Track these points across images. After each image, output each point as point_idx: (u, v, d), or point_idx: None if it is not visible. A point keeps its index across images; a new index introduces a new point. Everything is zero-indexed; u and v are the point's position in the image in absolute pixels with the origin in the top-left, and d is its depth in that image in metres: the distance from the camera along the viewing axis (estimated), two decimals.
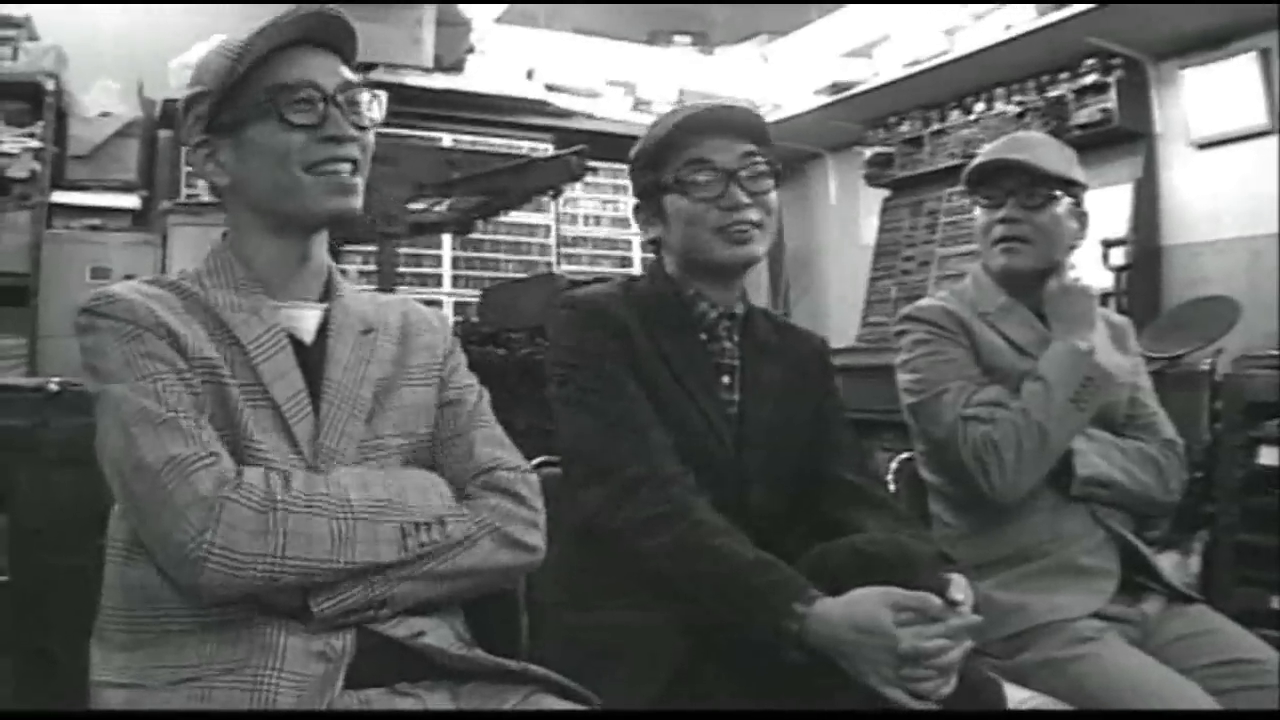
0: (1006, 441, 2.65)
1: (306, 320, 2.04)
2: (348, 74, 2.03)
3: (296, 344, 1.99)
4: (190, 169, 1.76)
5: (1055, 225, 2.85)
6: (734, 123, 2.41)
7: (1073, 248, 2.93)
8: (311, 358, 1.99)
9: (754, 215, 2.36)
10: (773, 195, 2.40)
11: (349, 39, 2.05)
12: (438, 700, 1.88)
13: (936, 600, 1.89)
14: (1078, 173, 2.92)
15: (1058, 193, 2.85)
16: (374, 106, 2.06)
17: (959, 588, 2.01)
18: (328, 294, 2.10)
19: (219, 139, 1.98)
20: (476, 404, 2.20)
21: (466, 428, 2.13)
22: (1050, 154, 2.88)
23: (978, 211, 2.97)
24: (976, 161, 2.93)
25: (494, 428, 2.19)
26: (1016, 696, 2.27)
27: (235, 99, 1.95)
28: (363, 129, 2.02)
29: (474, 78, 7.59)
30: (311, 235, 2.06)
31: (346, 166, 1.99)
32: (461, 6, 7.31)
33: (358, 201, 2.03)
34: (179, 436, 1.75)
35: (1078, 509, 2.75)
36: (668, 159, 2.41)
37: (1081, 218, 2.94)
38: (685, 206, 2.39)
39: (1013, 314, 2.90)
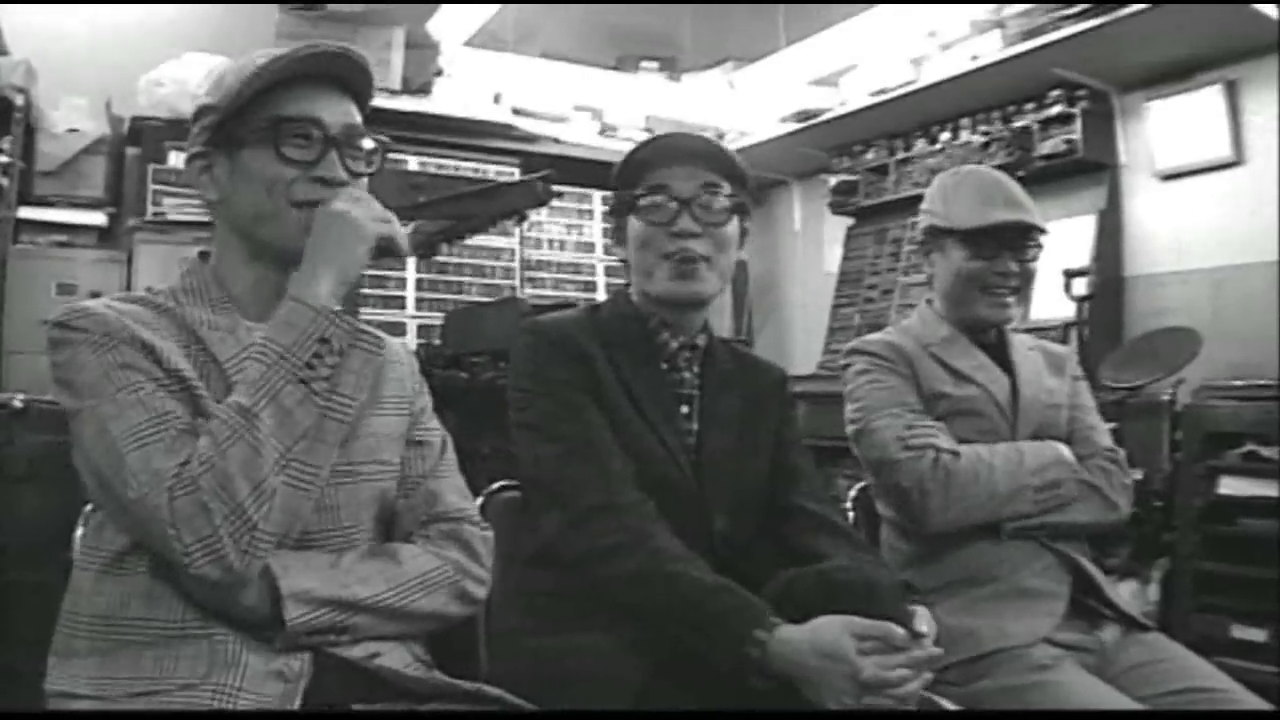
0: (958, 476, 2.70)
1: None
2: (356, 117, 2.05)
3: None
4: (182, 180, 1.76)
5: (1033, 274, 2.94)
6: (703, 153, 2.42)
7: None
8: None
9: (701, 247, 2.36)
10: (728, 230, 2.41)
11: (365, 81, 2.07)
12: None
13: (900, 630, 1.89)
14: None
15: (1042, 243, 2.93)
16: (375, 158, 2.09)
17: (923, 619, 2.02)
18: None
19: (217, 154, 1.99)
20: (443, 451, 2.22)
21: (432, 473, 2.16)
22: (1033, 206, 2.93)
23: (957, 256, 2.93)
24: (987, 222, 2.87)
25: (458, 478, 2.23)
26: None
27: (239, 120, 1.96)
28: (357, 175, 2.04)
29: (441, 101, 7.59)
30: (287, 266, 2.02)
31: None
32: (430, 29, 7.30)
33: None
34: (162, 450, 1.73)
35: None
36: (636, 181, 2.44)
37: None
38: (640, 229, 2.41)
39: (955, 344, 2.95)
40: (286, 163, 1.95)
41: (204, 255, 2.09)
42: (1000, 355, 2.98)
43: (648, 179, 2.42)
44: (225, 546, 1.68)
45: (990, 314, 2.91)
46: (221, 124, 1.97)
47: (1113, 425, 3.03)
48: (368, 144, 2.06)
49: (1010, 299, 2.90)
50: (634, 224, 2.43)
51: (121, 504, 1.76)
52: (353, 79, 2.05)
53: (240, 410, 1.74)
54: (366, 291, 7.02)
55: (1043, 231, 2.92)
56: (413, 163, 7.49)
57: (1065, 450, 2.82)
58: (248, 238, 2.01)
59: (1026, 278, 2.91)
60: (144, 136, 6.70)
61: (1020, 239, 2.89)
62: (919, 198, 3.10)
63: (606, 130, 8.43)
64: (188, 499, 1.68)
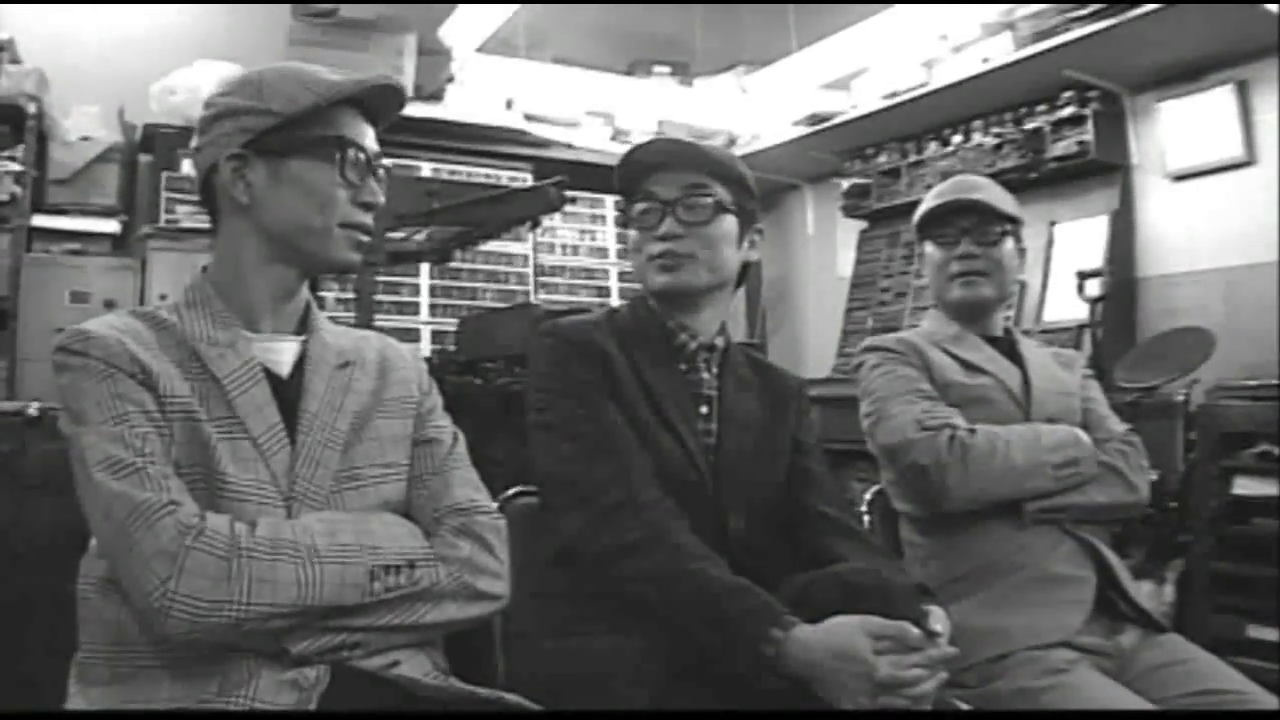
0: (975, 451, 2.74)
1: (283, 354, 2.06)
2: (377, 146, 2.12)
3: (273, 378, 2.00)
4: (199, 173, 1.77)
5: (1008, 259, 3.03)
6: (685, 156, 2.47)
7: (1016, 280, 3.13)
8: (288, 391, 2.00)
9: (683, 247, 2.42)
10: (714, 228, 2.45)
11: (394, 115, 2.18)
12: None
13: (915, 630, 1.90)
14: (1019, 211, 3.09)
15: (1008, 229, 3.03)
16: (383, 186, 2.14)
17: (938, 619, 2.03)
18: (304, 327, 2.12)
19: (255, 158, 2.00)
20: (453, 445, 2.21)
21: (443, 467, 2.15)
22: (998, 194, 3.06)
23: (929, 249, 3.11)
24: (933, 204, 3.09)
25: (470, 470, 2.21)
26: None
27: (295, 130, 1.99)
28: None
29: (454, 107, 7.60)
30: (312, 273, 2.12)
31: (363, 233, 2.07)
32: (442, 35, 7.31)
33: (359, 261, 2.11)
34: (144, 484, 1.75)
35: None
36: (633, 191, 2.51)
37: (1022, 253, 3.12)
38: (634, 237, 2.50)
39: (964, 340, 3.05)
40: (344, 184, 2.02)
41: (208, 269, 2.10)
42: (1009, 350, 3.07)
43: (640, 188, 2.49)
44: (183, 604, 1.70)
45: (963, 295, 3.04)
46: (271, 130, 1.99)
47: (1127, 426, 3.04)
48: (382, 173, 2.13)
49: (979, 280, 3.02)
50: (630, 233, 2.52)
51: (99, 534, 1.81)
52: (385, 112, 2.15)
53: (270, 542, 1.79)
54: (380, 298, 7.00)
55: (1006, 217, 3.04)
56: (425, 169, 7.51)
57: (1081, 433, 2.87)
58: (280, 243, 2.03)
59: (995, 261, 3.01)
60: (157, 144, 6.73)
61: (979, 225, 3.02)
62: None
63: (619, 135, 8.41)
64: (161, 534, 1.72)
